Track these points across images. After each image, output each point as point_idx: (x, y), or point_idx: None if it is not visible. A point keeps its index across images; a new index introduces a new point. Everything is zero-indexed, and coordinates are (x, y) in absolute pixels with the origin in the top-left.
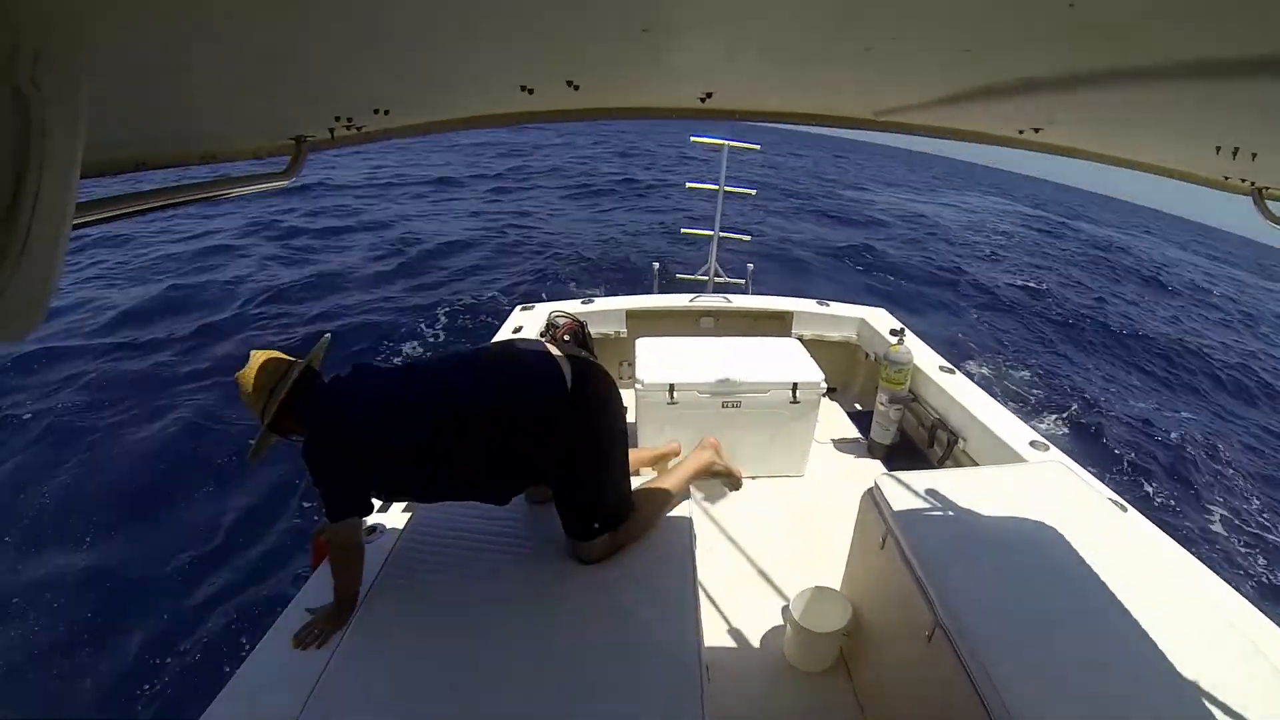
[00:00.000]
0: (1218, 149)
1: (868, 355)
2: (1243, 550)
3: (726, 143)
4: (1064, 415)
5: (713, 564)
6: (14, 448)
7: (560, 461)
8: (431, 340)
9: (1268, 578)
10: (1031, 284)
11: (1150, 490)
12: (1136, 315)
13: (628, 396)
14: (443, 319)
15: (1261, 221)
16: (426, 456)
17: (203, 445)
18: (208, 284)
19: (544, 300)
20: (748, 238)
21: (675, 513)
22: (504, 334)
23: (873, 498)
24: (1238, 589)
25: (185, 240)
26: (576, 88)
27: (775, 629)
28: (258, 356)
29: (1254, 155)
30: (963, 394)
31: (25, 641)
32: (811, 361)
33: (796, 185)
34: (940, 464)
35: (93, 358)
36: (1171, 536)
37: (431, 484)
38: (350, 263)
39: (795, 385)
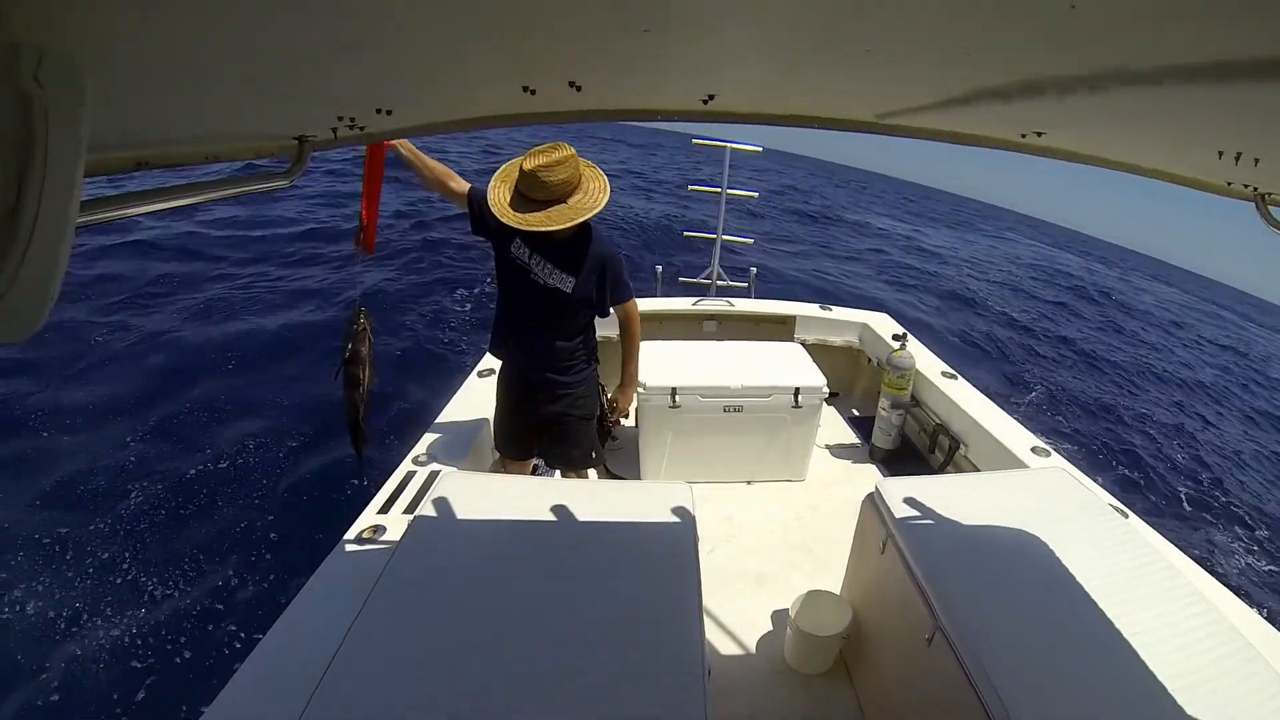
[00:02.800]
0: (1220, 154)
1: (870, 360)
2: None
3: (728, 144)
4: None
5: (715, 567)
6: None
7: None
8: (450, 328)
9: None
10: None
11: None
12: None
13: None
14: (454, 316)
15: (1264, 228)
16: None
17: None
18: None
19: None
20: (751, 241)
21: (678, 515)
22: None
23: (874, 502)
24: (1238, 594)
25: None
26: (579, 89)
27: (776, 632)
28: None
29: (1256, 161)
30: (965, 400)
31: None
32: (814, 366)
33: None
34: (942, 469)
35: None
36: (1173, 542)
37: None
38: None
39: (797, 390)
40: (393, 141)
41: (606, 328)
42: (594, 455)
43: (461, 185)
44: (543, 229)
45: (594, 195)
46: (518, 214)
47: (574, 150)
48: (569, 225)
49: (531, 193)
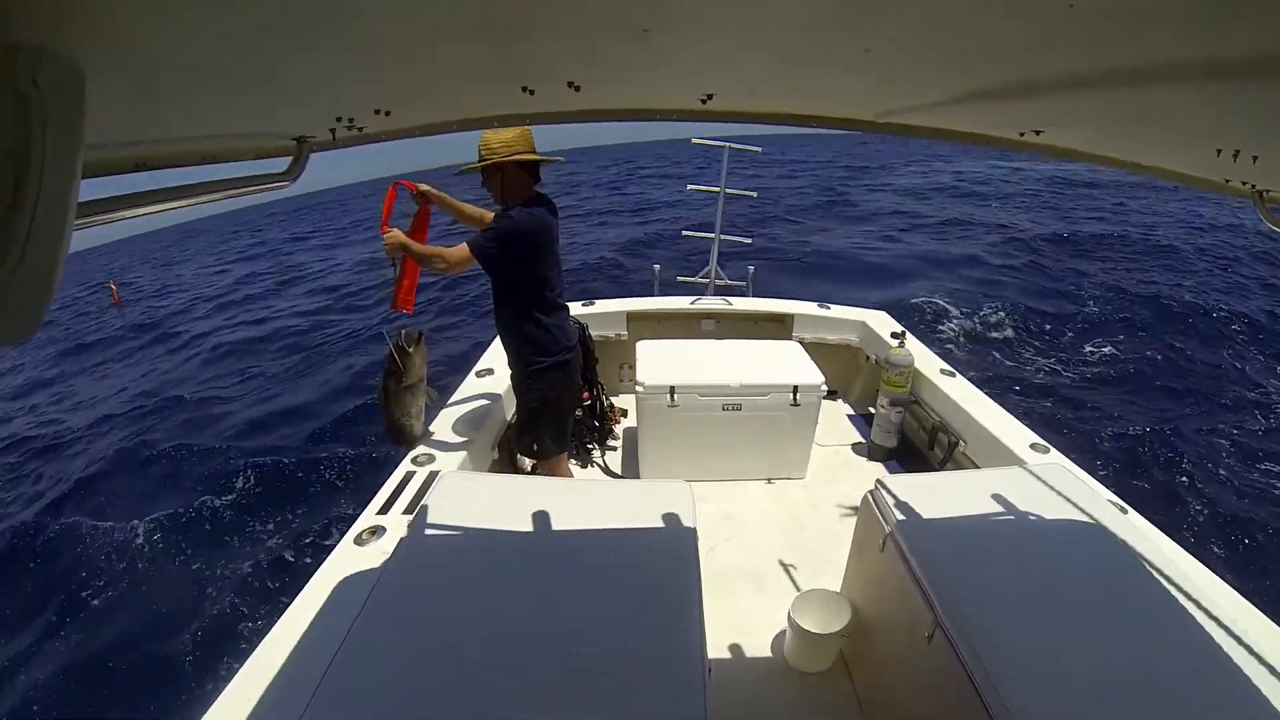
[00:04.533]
0: (1218, 151)
1: (869, 358)
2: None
3: (727, 144)
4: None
5: (714, 565)
6: None
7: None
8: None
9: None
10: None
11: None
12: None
13: (629, 399)
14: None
15: (1263, 224)
16: (550, 282)
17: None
18: None
19: None
20: (749, 240)
21: (677, 514)
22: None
23: (873, 500)
24: (1238, 589)
25: None
26: (577, 89)
27: (776, 630)
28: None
29: (1255, 158)
30: (963, 397)
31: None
32: (812, 364)
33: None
34: (941, 466)
35: None
36: (1172, 538)
37: (545, 288)
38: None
39: (796, 388)
40: (426, 196)
41: (603, 326)
42: (534, 448)
43: (455, 270)
44: (463, 168)
45: (497, 159)
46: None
47: (523, 136)
48: (466, 169)
49: None
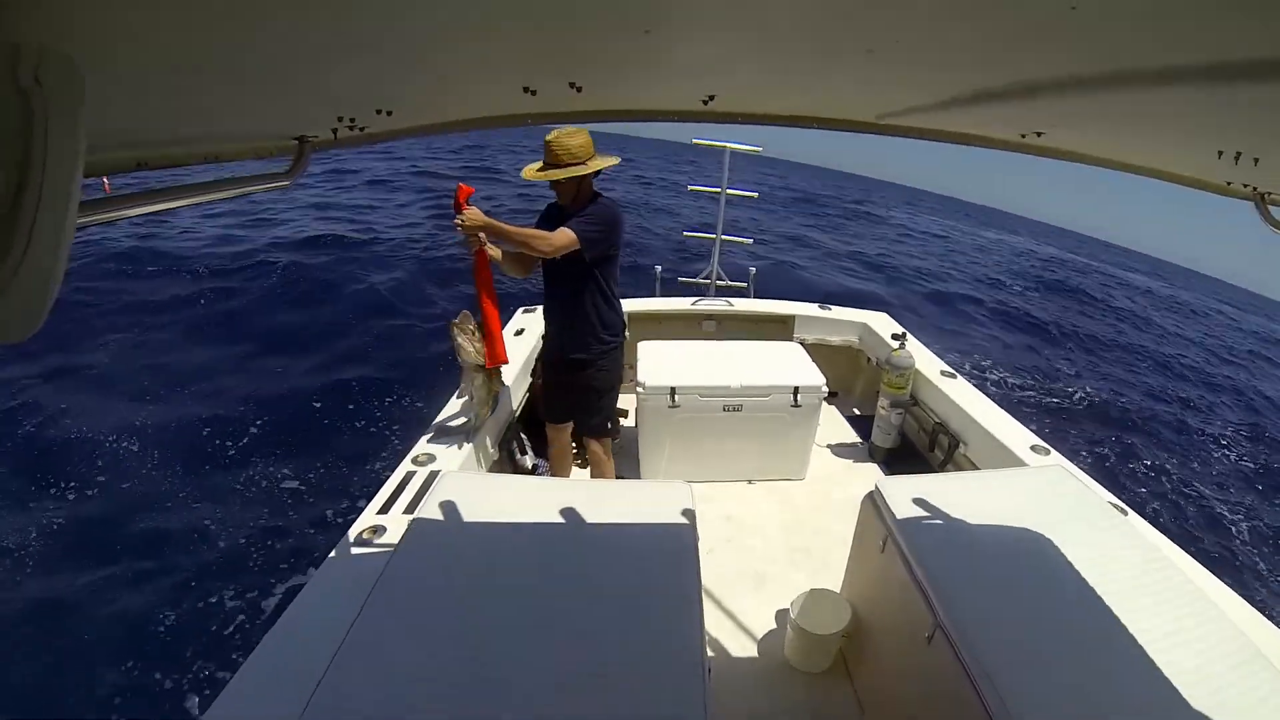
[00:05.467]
0: (1219, 154)
1: (869, 359)
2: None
3: (728, 145)
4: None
5: (714, 565)
6: None
7: None
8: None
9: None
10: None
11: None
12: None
13: (629, 400)
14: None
15: (1263, 227)
16: (618, 267)
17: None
18: None
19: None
20: (750, 241)
21: (678, 514)
22: (506, 335)
23: (874, 501)
24: (1238, 591)
25: None
26: (579, 89)
27: (776, 630)
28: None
29: (1256, 160)
30: (964, 398)
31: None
32: (813, 365)
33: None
34: (941, 468)
35: None
36: (1172, 539)
37: (618, 273)
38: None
39: (797, 389)
40: (488, 248)
41: None
42: (609, 425)
43: (544, 254)
44: (533, 178)
45: (589, 167)
46: (528, 172)
47: (589, 138)
48: (553, 175)
49: (544, 156)
